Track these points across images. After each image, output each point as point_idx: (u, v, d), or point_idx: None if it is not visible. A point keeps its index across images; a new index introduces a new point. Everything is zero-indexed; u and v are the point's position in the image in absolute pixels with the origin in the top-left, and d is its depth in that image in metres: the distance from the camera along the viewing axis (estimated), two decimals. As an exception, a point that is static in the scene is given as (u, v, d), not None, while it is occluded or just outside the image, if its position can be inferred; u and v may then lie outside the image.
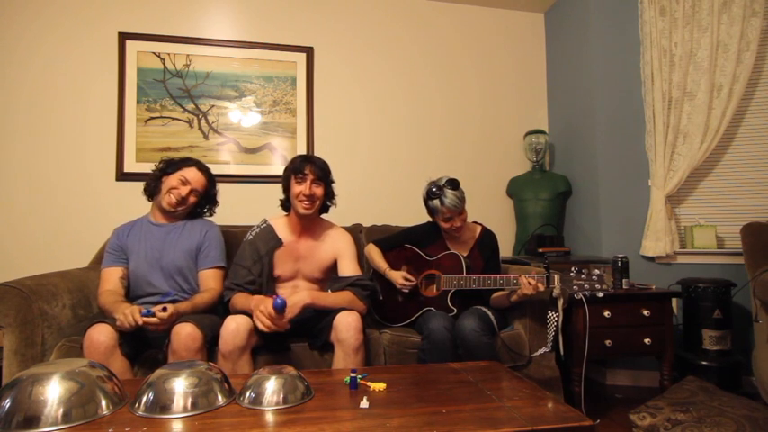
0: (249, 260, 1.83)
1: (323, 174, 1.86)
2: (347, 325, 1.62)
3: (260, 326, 1.54)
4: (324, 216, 2.00)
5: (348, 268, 1.89)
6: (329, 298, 1.74)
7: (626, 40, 2.67)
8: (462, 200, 1.94)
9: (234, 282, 1.80)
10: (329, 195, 1.93)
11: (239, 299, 1.73)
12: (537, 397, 1.14)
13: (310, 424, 0.98)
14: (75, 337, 1.73)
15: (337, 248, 1.92)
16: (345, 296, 1.76)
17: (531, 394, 1.16)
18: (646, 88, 2.59)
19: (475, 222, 2.15)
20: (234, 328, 1.56)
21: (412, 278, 1.99)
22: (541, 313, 1.95)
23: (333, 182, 1.94)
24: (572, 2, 2.94)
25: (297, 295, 1.68)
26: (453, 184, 1.95)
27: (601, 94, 2.70)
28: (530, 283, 1.73)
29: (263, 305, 1.56)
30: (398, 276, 2.00)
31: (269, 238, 1.88)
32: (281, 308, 1.52)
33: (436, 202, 1.94)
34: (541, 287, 1.73)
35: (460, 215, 1.96)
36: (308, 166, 1.83)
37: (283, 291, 1.87)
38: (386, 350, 1.86)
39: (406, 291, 2.00)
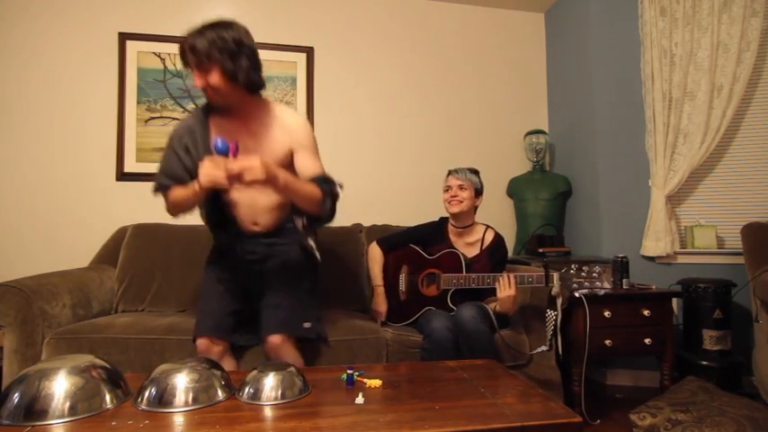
0: (180, 151, 1.55)
1: (207, 57, 1.37)
2: (276, 355, 1.56)
3: (203, 179, 1.30)
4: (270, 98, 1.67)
5: (308, 163, 1.57)
6: (298, 186, 1.45)
7: (626, 40, 2.67)
8: (468, 179, 2.05)
9: (165, 173, 1.53)
10: (237, 71, 1.42)
11: (177, 191, 1.49)
12: (529, 394, 1.15)
13: (306, 419, 0.99)
14: (62, 329, 1.75)
15: (293, 137, 1.57)
16: (312, 191, 1.49)
17: (523, 392, 1.17)
18: (646, 88, 2.59)
19: (487, 226, 2.14)
20: (204, 350, 1.57)
21: (384, 317, 2.05)
22: (541, 313, 1.95)
23: (238, 53, 1.42)
24: (572, 2, 2.94)
25: (276, 167, 1.36)
26: (472, 168, 2.12)
27: (601, 94, 2.70)
28: (506, 285, 1.79)
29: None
30: (379, 304, 2.07)
31: (196, 121, 1.59)
32: (222, 150, 1.29)
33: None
34: (514, 291, 1.79)
35: (461, 188, 2.04)
36: (189, 56, 1.40)
37: (235, 192, 1.59)
38: (388, 349, 1.86)
39: (376, 318, 2.07)
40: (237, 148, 1.31)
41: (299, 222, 1.65)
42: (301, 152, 1.58)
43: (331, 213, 1.57)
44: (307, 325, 1.63)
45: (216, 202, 1.61)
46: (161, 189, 1.54)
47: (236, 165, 1.26)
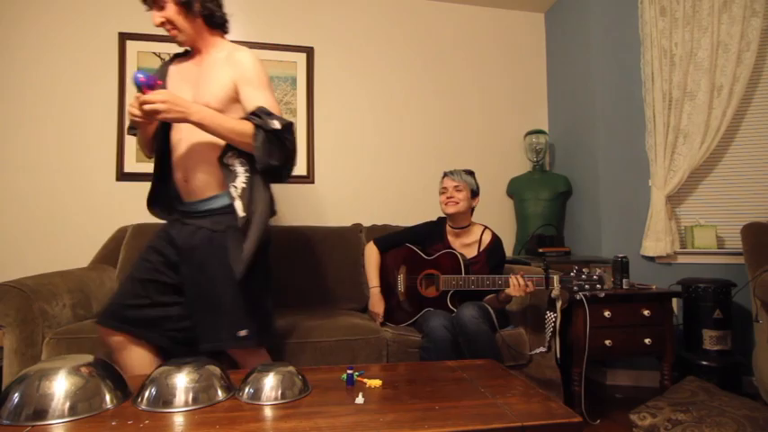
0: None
1: None
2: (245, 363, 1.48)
3: (128, 114, 1.40)
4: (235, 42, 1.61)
5: (251, 98, 1.44)
6: (219, 120, 1.38)
7: (626, 40, 2.67)
8: (463, 180, 2.06)
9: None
10: (191, 1, 1.45)
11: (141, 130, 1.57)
12: (529, 394, 1.15)
13: (306, 418, 0.99)
14: (62, 329, 1.74)
15: (237, 72, 1.47)
16: (239, 124, 1.40)
17: (523, 392, 1.17)
18: (646, 88, 2.59)
19: (484, 227, 2.13)
20: (102, 337, 1.51)
21: (381, 318, 2.06)
22: (542, 314, 1.95)
23: None
24: (572, 2, 2.94)
25: (186, 103, 1.35)
26: (468, 170, 2.14)
27: (601, 94, 2.70)
28: (518, 285, 1.76)
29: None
30: (375, 305, 2.08)
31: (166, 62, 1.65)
32: (137, 85, 1.30)
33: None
34: (530, 289, 1.76)
35: (456, 189, 2.04)
36: None
37: (179, 133, 1.54)
38: (388, 349, 1.86)
39: (374, 319, 2.07)
40: (153, 83, 1.33)
41: (233, 160, 1.45)
42: (245, 87, 1.46)
43: (266, 151, 1.37)
44: (243, 333, 1.44)
45: (166, 147, 1.60)
46: (132, 129, 1.61)
47: (141, 98, 1.31)
